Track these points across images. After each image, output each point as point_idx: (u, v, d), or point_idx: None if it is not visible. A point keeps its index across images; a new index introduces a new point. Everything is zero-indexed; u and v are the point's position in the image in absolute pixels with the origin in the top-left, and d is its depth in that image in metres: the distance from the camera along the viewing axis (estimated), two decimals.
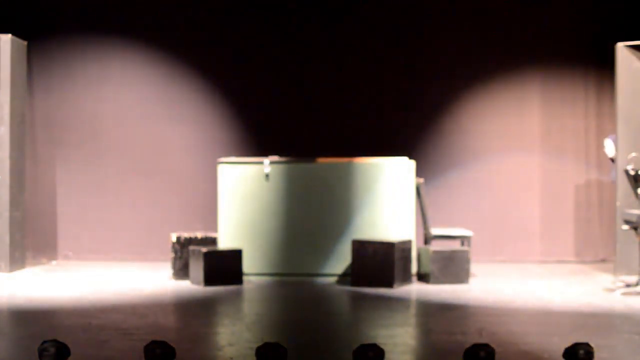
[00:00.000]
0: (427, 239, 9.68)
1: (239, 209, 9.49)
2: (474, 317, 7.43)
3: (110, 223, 11.04)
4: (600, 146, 10.86)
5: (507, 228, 11.08)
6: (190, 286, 8.98)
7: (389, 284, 8.79)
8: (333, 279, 9.36)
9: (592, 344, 4.94)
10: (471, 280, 9.19)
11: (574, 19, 11.12)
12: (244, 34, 11.12)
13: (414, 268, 9.30)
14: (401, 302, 8.14)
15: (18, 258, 10.08)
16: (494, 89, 11.18)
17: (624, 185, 9.36)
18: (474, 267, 9.61)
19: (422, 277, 9.24)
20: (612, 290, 8.44)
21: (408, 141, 10.91)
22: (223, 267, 9.00)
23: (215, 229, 9.71)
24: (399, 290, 8.74)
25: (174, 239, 9.44)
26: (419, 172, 9.98)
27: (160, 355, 4.82)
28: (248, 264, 9.35)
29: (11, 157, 9.97)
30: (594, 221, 10.91)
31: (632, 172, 8.47)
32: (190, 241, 9.41)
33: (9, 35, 9.98)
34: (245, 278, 9.23)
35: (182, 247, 9.36)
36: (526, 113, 11.16)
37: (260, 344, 4.90)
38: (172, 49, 11.13)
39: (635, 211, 8.62)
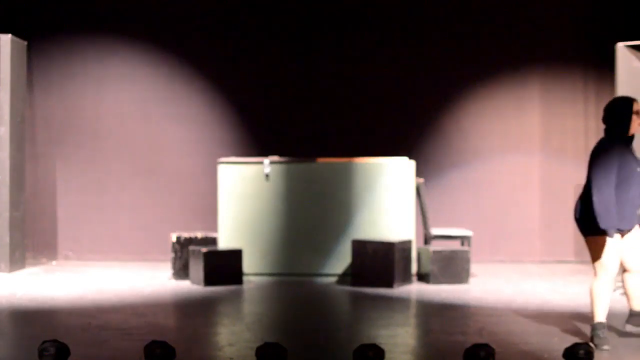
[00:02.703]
0: (427, 239, 9.67)
1: (239, 209, 9.49)
2: (474, 317, 7.42)
3: (110, 223, 11.04)
4: None
5: (507, 228, 11.08)
6: (190, 286, 8.98)
7: (389, 284, 8.79)
8: (333, 279, 9.36)
9: (592, 344, 4.94)
10: (471, 280, 9.19)
11: (574, 19, 11.13)
12: (244, 34, 11.12)
13: (414, 268, 9.30)
14: (401, 302, 8.14)
15: (18, 258, 10.07)
16: (494, 89, 11.18)
17: None
18: (474, 267, 9.61)
19: (422, 277, 9.24)
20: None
21: (408, 141, 10.91)
22: (223, 267, 9.00)
23: (215, 229, 9.71)
24: (399, 290, 8.74)
25: (174, 239, 9.44)
26: (419, 172, 9.99)
27: (160, 355, 4.83)
28: (248, 264, 9.35)
29: (11, 157, 9.96)
30: None
31: None
32: (190, 241, 9.41)
33: (9, 35, 9.97)
34: (245, 278, 9.23)
35: (182, 247, 9.36)
36: (526, 113, 11.16)
37: (260, 344, 4.91)
38: (172, 49, 11.13)
39: None
